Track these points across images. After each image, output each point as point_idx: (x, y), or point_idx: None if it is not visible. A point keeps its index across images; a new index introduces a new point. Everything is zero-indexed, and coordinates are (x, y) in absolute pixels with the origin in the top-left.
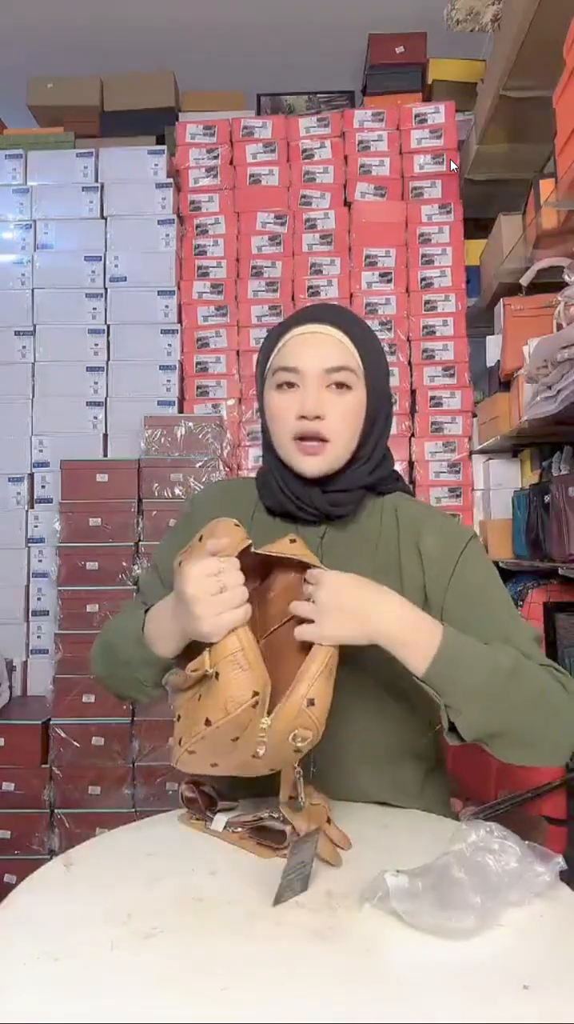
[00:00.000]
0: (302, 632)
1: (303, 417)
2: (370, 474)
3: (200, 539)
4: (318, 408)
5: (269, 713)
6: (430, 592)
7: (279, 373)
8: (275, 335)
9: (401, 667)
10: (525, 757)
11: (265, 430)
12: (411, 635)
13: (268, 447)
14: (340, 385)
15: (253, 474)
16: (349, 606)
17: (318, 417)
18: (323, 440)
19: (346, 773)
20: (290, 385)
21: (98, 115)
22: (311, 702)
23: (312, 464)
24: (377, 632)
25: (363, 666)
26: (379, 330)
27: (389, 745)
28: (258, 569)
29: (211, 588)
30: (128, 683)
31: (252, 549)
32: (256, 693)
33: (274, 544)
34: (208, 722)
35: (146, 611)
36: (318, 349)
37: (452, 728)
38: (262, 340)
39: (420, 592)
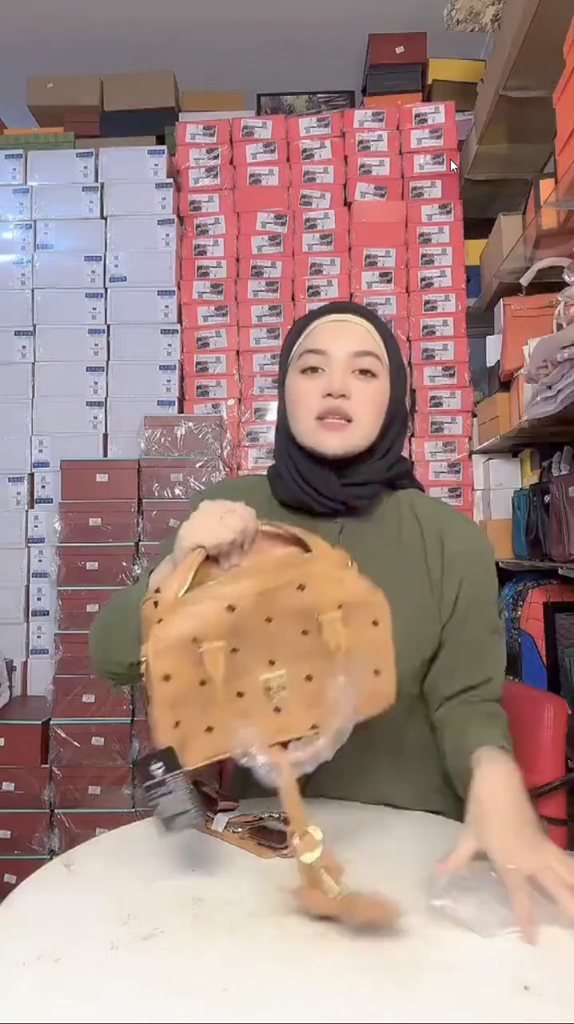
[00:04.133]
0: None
1: (329, 395)
2: (387, 470)
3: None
4: (344, 388)
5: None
6: (445, 589)
7: (305, 356)
8: (301, 325)
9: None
10: None
11: (281, 420)
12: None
13: (285, 436)
14: (365, 372)
15: (254, 474)
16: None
17: (343, 396)
18: (347, 420)
19: (364, 772)
20: (314, 370)
21: (98, 115)
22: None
23: (335, 440)
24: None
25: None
26: None
27: (416, 745)
28: None
29: (216, 514)
30: (122, 642)
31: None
32: (158, 591)
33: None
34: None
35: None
36: (346, 334)
37: None
38: (262, 340)
39: (438, 586)
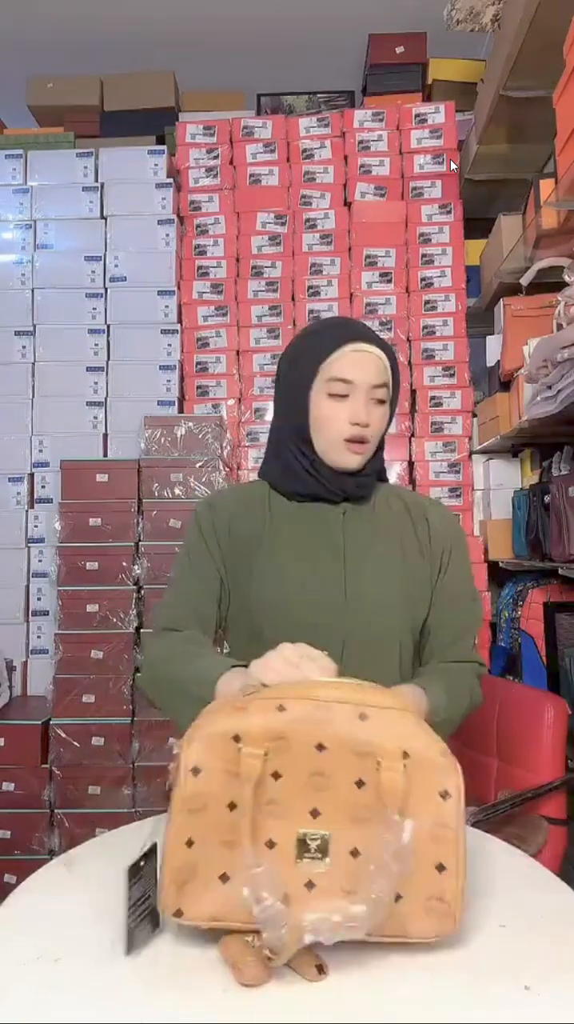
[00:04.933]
0: None
1: (356, 424)
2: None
3: None
4: (369, 418)
5: None
6: (433, 554)
7: (334, 383)
8: (328, 344)
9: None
10: None
11: (295, 424)
12: None
13: (298, 439)
14: (379, 400)
15: (254, 475)
16: None
17: (367, 424)
18: (365, 441)
19: None
20: (341, 396)
21: (98, 115)
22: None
23: (356, 460)
24: None
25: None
26: (379, 330)
27: None
28: None
29: (294, 659)
30: (177, 712)
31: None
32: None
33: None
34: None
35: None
36: (370, 367)
37: None
38: (262, 340)
39: (427, 550)
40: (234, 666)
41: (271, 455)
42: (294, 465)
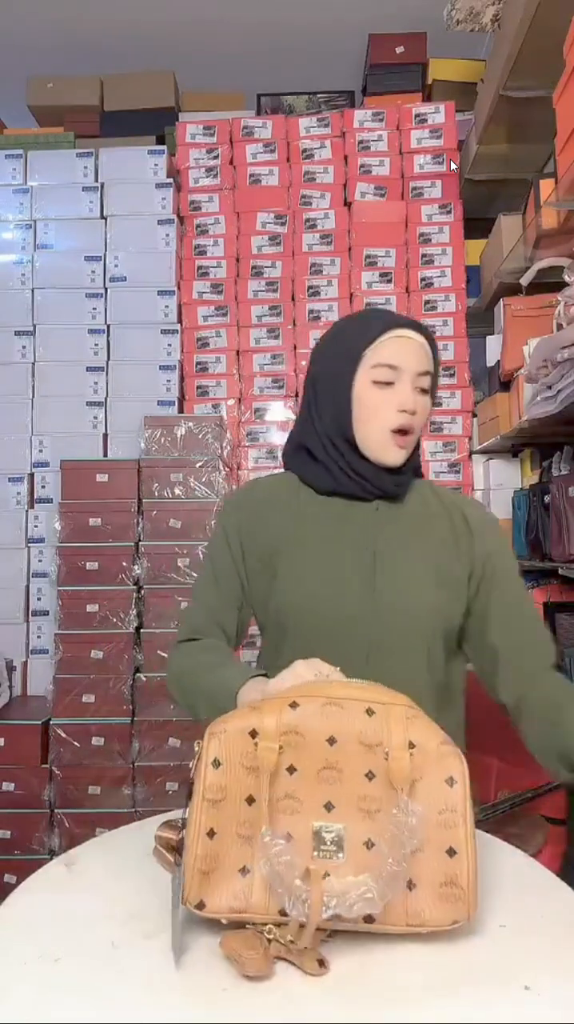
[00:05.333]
0: None
1: (404, 411)
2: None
3: None
4: (415, 405)
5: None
6: (475, 550)
7: (380, 369)
8: (372, 330)
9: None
10: None
11: (335, 418)
12: None
13: (334, 432)
14: (423, 389)
15: (254, 475)
16: None
17: (414, 412)
18: (410, 432)
19: None
20: (387, 383)
21: (98, 115)
22: None
23: (401, 455)
24: None
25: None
26: None
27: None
28: None
29: (307, 676)
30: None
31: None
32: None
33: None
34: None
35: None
36: (416, 353)
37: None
38: (262, 340)
39: (468, 548)
40: (254, 675)
41: (296, 447)
42: (331, 465)
